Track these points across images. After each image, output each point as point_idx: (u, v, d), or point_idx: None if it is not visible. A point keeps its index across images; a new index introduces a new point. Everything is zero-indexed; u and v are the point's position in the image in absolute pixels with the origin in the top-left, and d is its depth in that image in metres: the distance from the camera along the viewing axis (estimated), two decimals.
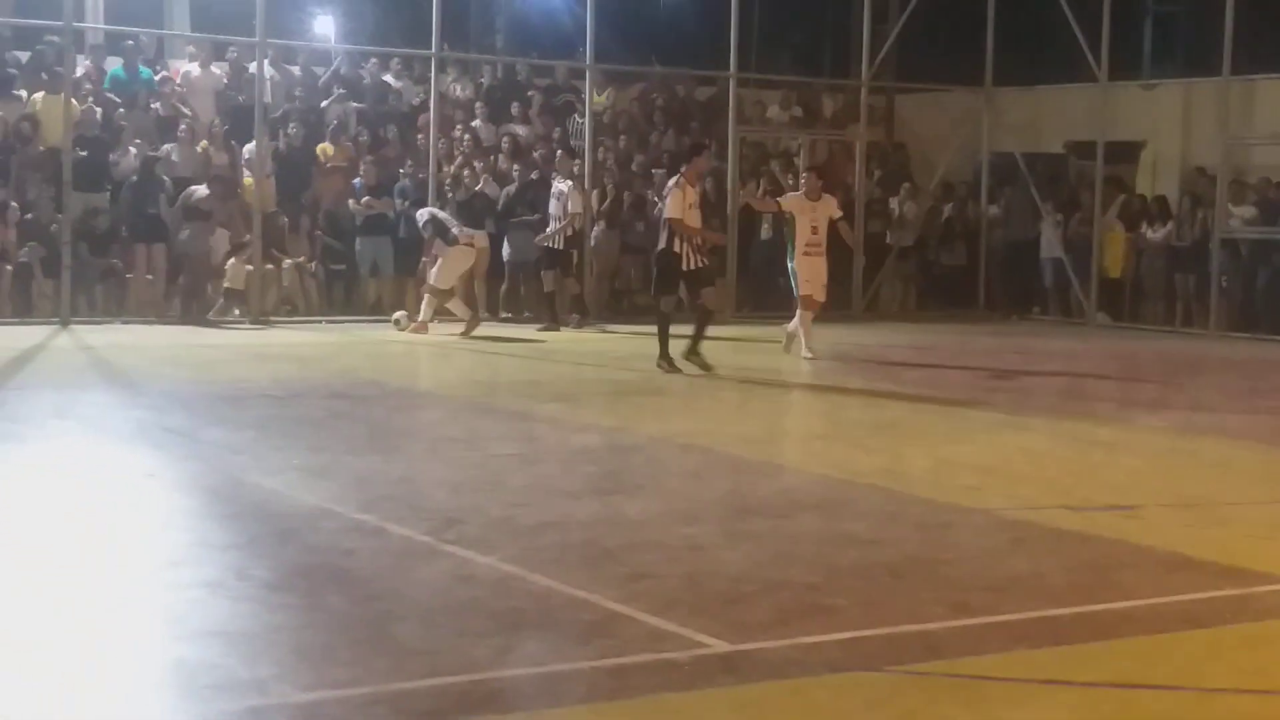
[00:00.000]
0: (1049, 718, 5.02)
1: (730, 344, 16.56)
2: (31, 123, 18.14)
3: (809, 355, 15.66)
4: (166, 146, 18.68)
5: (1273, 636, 6.08)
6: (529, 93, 22.02)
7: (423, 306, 17.76)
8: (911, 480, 9.10)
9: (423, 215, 17.97)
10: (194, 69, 19.87)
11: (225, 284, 18.41)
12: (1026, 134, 23.06)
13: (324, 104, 20.33)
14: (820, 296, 15.98)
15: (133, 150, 18.50)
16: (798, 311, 15.92)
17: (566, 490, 8.55)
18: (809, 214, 15.72)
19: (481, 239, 19.37)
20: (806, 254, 15.77)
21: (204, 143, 19.02)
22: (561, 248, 18.87)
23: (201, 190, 18.16)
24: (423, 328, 17.58)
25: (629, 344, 16.89)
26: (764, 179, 21.95)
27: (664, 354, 14.23)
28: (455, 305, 17.87)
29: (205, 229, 17.99)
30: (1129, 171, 22.51)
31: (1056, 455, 10.40)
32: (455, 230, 17.76)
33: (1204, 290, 20.33)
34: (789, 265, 16.08)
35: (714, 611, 6.05)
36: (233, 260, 18.37)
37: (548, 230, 18.70)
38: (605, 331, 18.62)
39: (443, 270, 17.66)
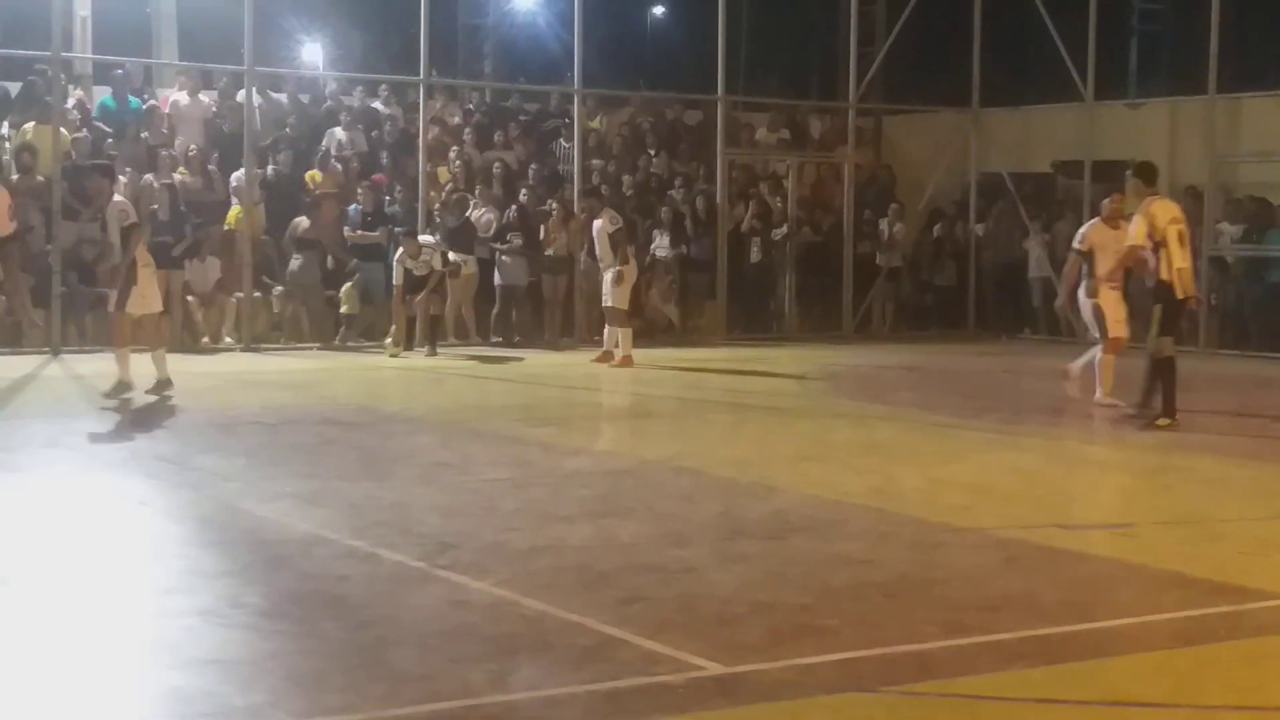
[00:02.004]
0: None
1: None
2: (30, 152, 18.13)
3: (1115, 404, 13.47)
4: (147, 176, 18.66)
5: (1267, 653, 6.08)
6: (517, 118, 22.06)
7: (620, 338, 17.07)
8: (903, 500, 9.11)
9: (616, 221, 17.19)
10: (183, 97, 19.88)
11: (342, 310, 18.58)
12: (1014, 154, 23.13)
13: (331, 130, 20.35)
14: (1126, 335, 13.94)
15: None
16: (1093, 351, 13.86)
17: (559, 514, 8.55)
18: (1113, 244, 13.62)
19: (470, 264, 19.46)
20: (1113, 288, 13.78)
21: (180, 169, 18.99)
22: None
23: (305, 222, 18.62)
24: (627, 361, 16.83)
25: (620, 369, 16.86)
26: (753, 201, 22.00)
27: (1171, 408, 12.45)
28: (626, 332, 17.17)
29: (315, 258, 18.56)
30: (1116, 190, 22.54)
31: (1048, 474, 10.41)
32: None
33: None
34: (1086, 301, 13.97)
35: (707, 634, 6.05)
36: (347, 286, 18.57)
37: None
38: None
39: (622, 289, 17.13)
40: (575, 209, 20.06)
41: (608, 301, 17.30)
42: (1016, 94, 23.15)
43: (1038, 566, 7.43)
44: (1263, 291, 20.04)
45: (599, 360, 17.24)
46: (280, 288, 18.85)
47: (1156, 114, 22.51)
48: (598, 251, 17.50)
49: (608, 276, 17.22)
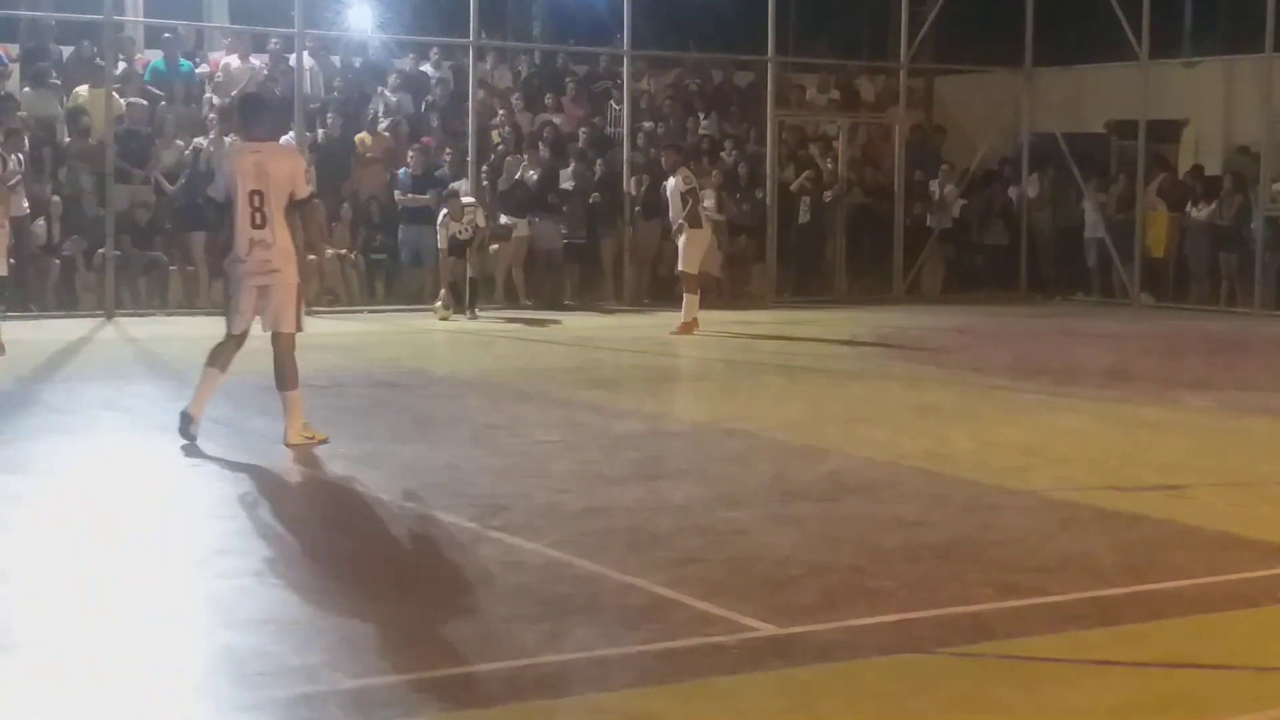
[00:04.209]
0: (1100, 698, 4.99)
1: None
2: (84, 115, 18.25)
3: None
4: (197, 139, 18.76)
5: None
6: (565, 80, 22.05)
7: (685, 303, 16.59)
8: (957, 462, 9.06)
9: (690, 181, 16.71)
10: (234, 61, 19.95)
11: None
12: (1067, 114, 22.89)
13: (382, 90, 20.40)
14: None
15: (179, 143, 18.63)
16: None
17: (610, 476, 8.56)
18: None
19: (523, 228, 19.48)
20: None
21: (232, 135, 19.07)
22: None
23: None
24: (689, 327, 16.42)
25: (679, 335, 16.80)
26: (805, 163, 21.90)
27: None
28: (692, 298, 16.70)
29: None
30: (1171, 150, 22.35)
31: (1102, 436, 10.34)
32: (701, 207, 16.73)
33: (1248, 269, 20.18)
34: None
35: (760, 595, 6.04)
36: (494, 247, 18.82)
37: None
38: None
39: (691, 252, 16.66)
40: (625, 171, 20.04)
41: (679, 266, 16.91)
42: (1070, 53, 22.90)
43: (1092, 528, 7.39)
44: None
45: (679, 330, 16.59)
46: (333, 251, 18.89)
47: (1212, 73, 22.23)
48: (670, 211, 16.98)
49: (680, 241, 16.74)
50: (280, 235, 9.04)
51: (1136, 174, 21.28)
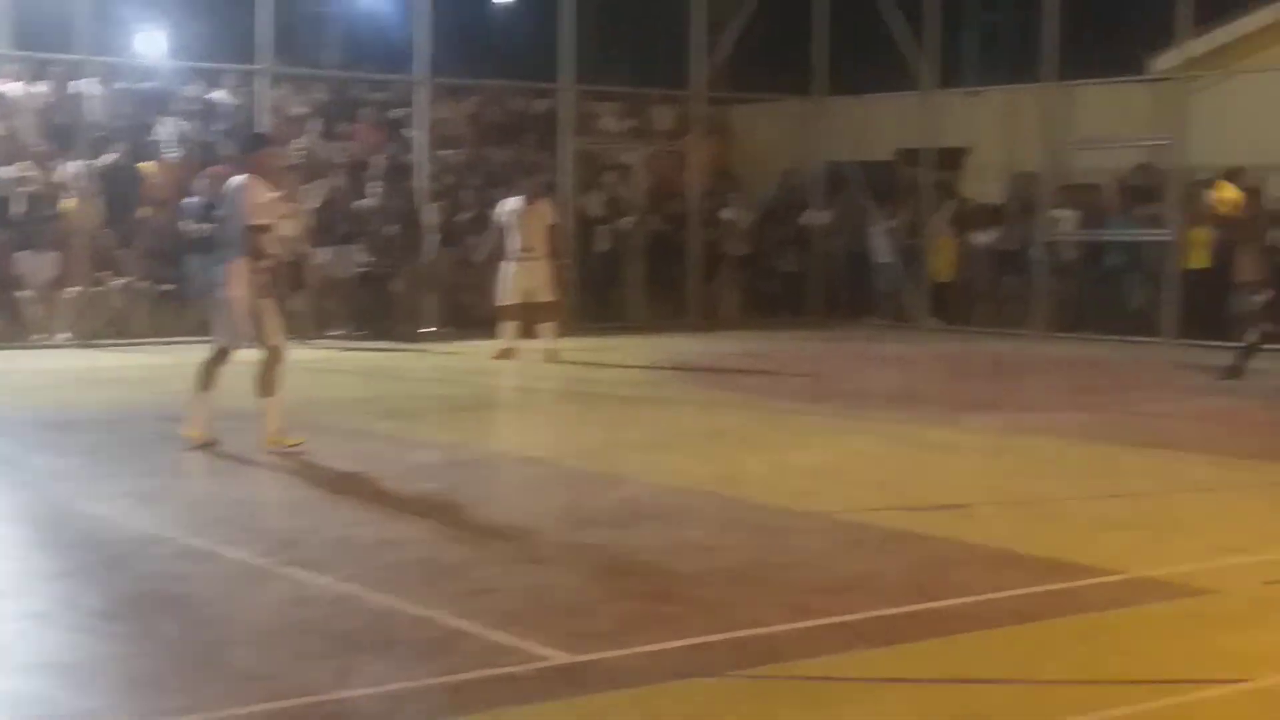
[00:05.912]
0: (887, 715, 5.09)
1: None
2: None
3: None
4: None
5: (1101, 628, 6.22)
6: (360, 108, 21.88)
7: (503, 331, 16.59)
8: (748, 486, 9.18)
9: (551, 217, 16.73)
10: (16, 87, 19.39)
11: None
12: (858, 142, 23.40)
13: (165, 120, 20.00)
14: None
15: None
16: None
17: (405, 508, 8.48)
18: None
19: (317, 256, 19.25)
20: None
21: (19, 163, 18.56)
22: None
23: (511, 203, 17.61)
24: (509, 353, 16.41)
25: (467, 360, 16.81)
26: (602, 190, 22.02)
27: None
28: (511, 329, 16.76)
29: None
30: (956, 177, 22.97)
31: (890, 457, 10.57)
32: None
33: (1029, 292, 20.82)
34: None
35: (555, 623, 6.04)
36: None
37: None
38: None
39: (519, 284, 16.59)
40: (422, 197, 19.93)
41: (539, 296, 16.68)
42: (861, 83, 23.41)
43: (880, 548, 7.54)
44: (1098, 276, 20.59)
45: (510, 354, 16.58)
46: (120, 280, 18.43)
47: (994, 102, 22.91)
48: (505, 238, 16.69)
49: (512, 270, 16.58)
50: None
51: (924, 201, 21.83)
